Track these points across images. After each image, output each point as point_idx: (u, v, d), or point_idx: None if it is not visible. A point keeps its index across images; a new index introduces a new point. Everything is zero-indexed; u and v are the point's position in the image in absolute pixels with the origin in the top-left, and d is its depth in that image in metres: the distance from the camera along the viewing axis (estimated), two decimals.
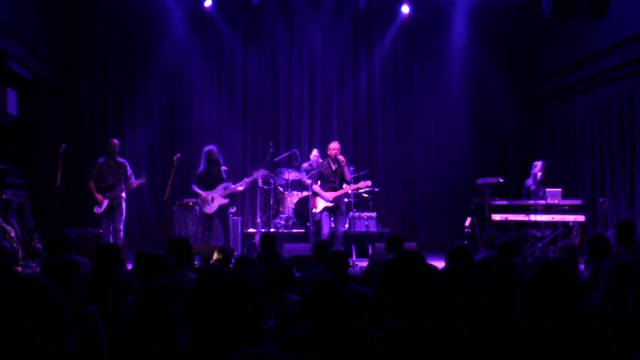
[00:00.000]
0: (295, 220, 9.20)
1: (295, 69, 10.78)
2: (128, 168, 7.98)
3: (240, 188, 8.20)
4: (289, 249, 7.33)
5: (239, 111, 10.65)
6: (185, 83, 10.50)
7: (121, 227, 7.81)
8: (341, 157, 7.85)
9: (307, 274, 4.55)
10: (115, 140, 8.03)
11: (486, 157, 10.85)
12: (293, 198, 9.27)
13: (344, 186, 7.95)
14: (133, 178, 7.94)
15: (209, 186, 8.00)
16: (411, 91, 10.95)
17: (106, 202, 7.73)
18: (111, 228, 7.76)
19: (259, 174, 8.27)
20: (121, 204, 7.84)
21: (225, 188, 7.97)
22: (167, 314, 2.11)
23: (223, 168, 8.12)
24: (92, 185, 7.79)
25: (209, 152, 8.02)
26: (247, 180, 8.13)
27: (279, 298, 3.47)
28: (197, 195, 8.10)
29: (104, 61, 10.23)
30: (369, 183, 7.97)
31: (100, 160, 7.96)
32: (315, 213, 7.97)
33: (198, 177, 8.06)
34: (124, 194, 7.88)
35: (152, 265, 3.62)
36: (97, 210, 7.74)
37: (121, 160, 8.01)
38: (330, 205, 7.81)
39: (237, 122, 10.62)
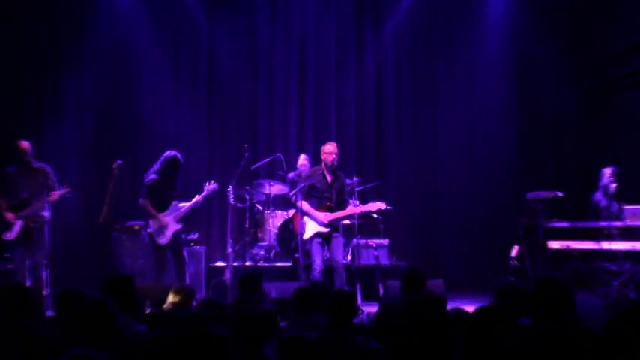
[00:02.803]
0: (279, 249, 9.15)
1: (279, 49, 10.88)
2: (51, 174, 7.88)
3: (187, 205, 7.97)
4: (271, 289, 7.19)
5: (203, 103, 10.77)
6: (131, 65, 10.52)
7: (44, 260, 7.74)
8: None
9: (298, 323, 4.48)
10: (24, 142, 7.86)
11: (537, 164, 10.81)
12: (276, 220, 9.29)
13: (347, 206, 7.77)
14: (56, 188, 7.83)
15: (161, 205, 7.86)
16: (435, 76, 11.03)
17: (18, 225, 7.61)
18: (28, 262, 7.62)
19: (211, 188, 8.08)
20: (42, 228, 7.75)
21: (177, 209, 7.86)
22: None
23: None
24: (1, 202, 7.70)
25: (176, 159, 7.82)
26: (199, 198, 7.97)
27: (254, 355, 3.44)
28: (149, 216, 7.85)
29: (14, 33, 10.02)
30: (382, 206, 7.69)
31: (11, 168, 7.84)
32: (304, 240, 7.77)
33: (150, 188, 7.81)
34: (46, 213, 7.75)
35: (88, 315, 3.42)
36: (8, 236, 7.64)
37: (40, 164, 7.89)
38: (324, 230, 7.61)
39: (202, 118, 10.74)
